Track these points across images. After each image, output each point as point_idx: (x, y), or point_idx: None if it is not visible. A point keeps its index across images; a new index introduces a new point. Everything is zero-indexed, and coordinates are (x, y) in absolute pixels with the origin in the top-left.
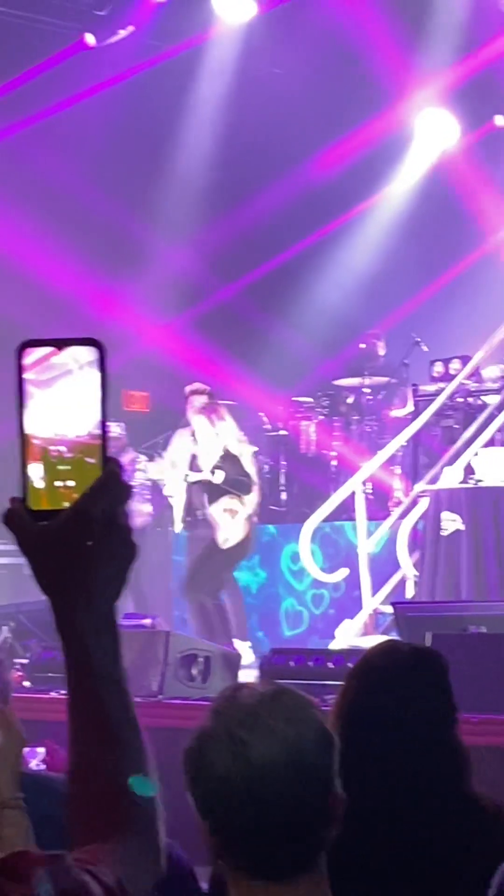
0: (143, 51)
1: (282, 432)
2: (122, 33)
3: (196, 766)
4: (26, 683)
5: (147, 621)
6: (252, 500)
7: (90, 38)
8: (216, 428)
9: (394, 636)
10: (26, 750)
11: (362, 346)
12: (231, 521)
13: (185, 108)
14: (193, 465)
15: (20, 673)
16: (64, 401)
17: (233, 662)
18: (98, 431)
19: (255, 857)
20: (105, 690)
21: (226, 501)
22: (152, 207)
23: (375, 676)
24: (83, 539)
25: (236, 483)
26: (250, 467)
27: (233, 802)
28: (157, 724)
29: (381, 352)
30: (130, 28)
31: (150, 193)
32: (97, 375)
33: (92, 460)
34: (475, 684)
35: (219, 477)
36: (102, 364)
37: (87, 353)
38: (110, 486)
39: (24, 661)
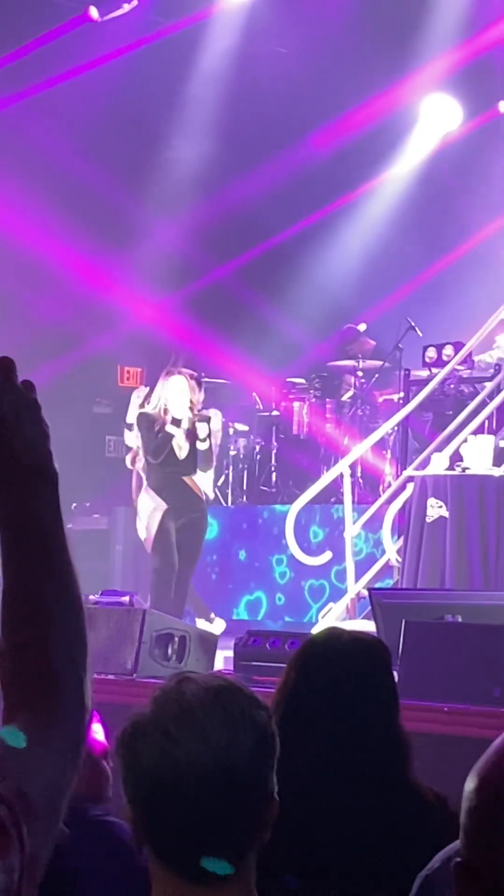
0: (146, 26)
1: (274, 413)
2: (126, 7)
3: (125, 753)
4: None
5: (125, 598)
6: None
7: (94, 12)
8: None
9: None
10: None
11: (360, 327)
12: None
13: (186, 85)
14: None
15: None
16: None
17: (209, 643)
18: None
19: (178, 857)
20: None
21: None
22: (148, 184)
23: (315, 663)
24: None
25: None
26: None
27: (157, 798)
28: (131, 702)
29: (370, 345)
30: (134, 2)
31: (147, 170)
32: None
33: None
34: (447, 673)
35: None
36: None
37: None
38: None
39: None
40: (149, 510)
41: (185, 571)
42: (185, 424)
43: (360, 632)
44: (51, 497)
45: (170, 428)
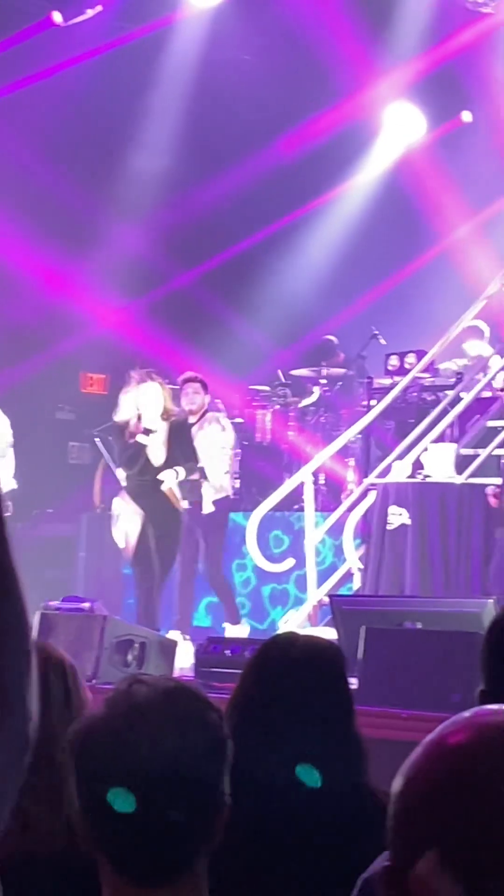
0: (110, 31)
1: (237, 420)
2: (90, 13)
3: (77, 754)
4: None
5: (86, 605)
6: None
7: (58, 17)
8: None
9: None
10: None
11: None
12: None
13: (150, 91)
14: None
15: None
16: None
17: (169, 649)
18: None
19: (128, 859)
20: None
21: None
22: (112, 189)
23: (270, 668)
24: None
25: None
26: None
27: (108, 800)
28: (91, 708)
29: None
30: (98, 8)
31: (111, 175)
32: None
33: None
34: (405, 680)
35: None
36: None
37: None
38: None
39: None
40: (127, 517)
41: (160, 581)
42: (159, 434)
43: (315, 636)
44: None
45: (141, 438)
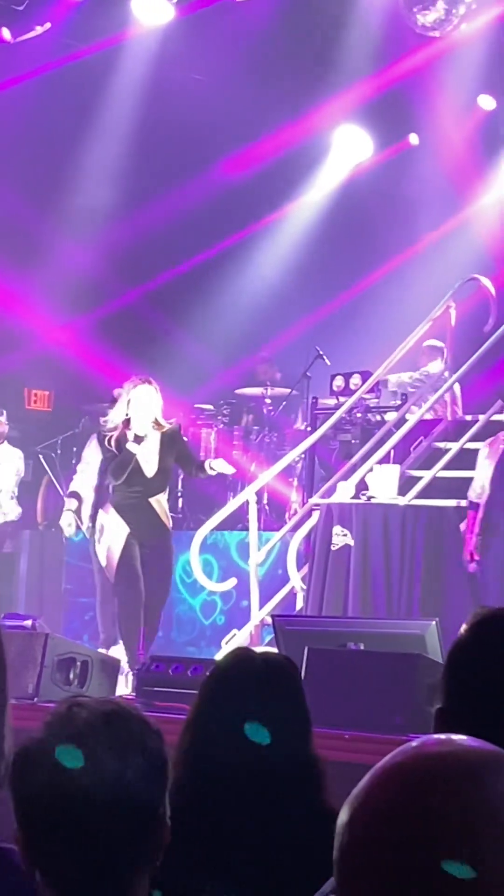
0: (59, 49)
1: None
2: (39, 30)
3: (15, 776)
4: None
5: (28, 622)
6: None
7: (6, 33)
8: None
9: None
10: None
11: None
12: None
13: (98, 109)
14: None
15: None
16: None
17: (111, 668)
18: None
19: (67, 881)
20: None
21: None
22: (58, 206)
23: (226, 686)
24: None
25: None
26: None
27: (47, 823)
28: (32, 726)
29: (277, 375)
30: (47, 25)
31: (58, 192)
32: None
33: None
34: (349, 701)
35: None
36: None
37: None
38: None
39: None
40: (111, 532)
41: (153, 601)
42: (150, 440)
43: (270, 652)
44: None
45: (131, 446)
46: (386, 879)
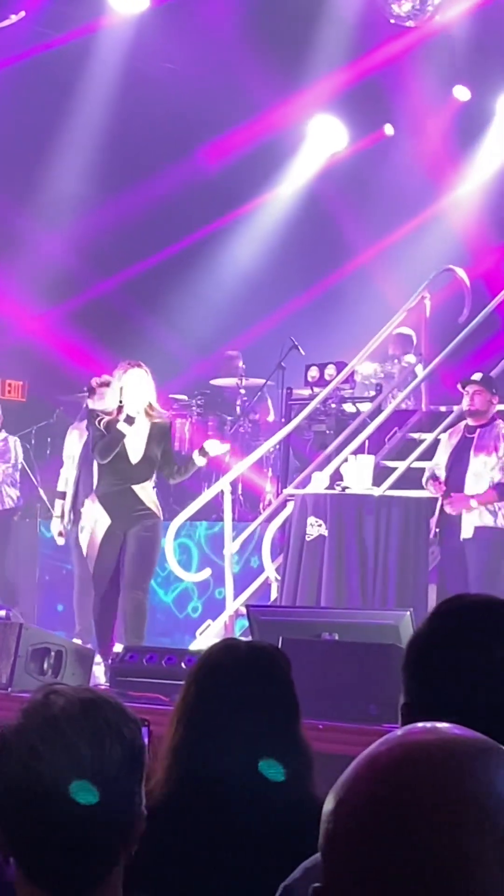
0: (33, 37)
1: None
2: (14, 18)
3: None
4: None
5: (2, 612)
6: None
7: None
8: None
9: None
10: None
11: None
12: None
13: (72, 98)
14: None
15: None
16: None
17: (86, 658)
18: None
19: (42, 869)
20: None
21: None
22: (32, 196)
23: (214, 675)
24: None
25: None
26: None
27: (22, 811)
28: (5, 716)
29: (240, 363)
30: (21, 13)
31: (31, 181)
32: None
33: None
34: (323, 692)
35: None
36: None
37: None
38: None
39: None
40: (93, 522)
41: (132, 593)
42: (140, 425)
43: (258, 641)
44: None
45: (122, 426)
46: (372, 868)
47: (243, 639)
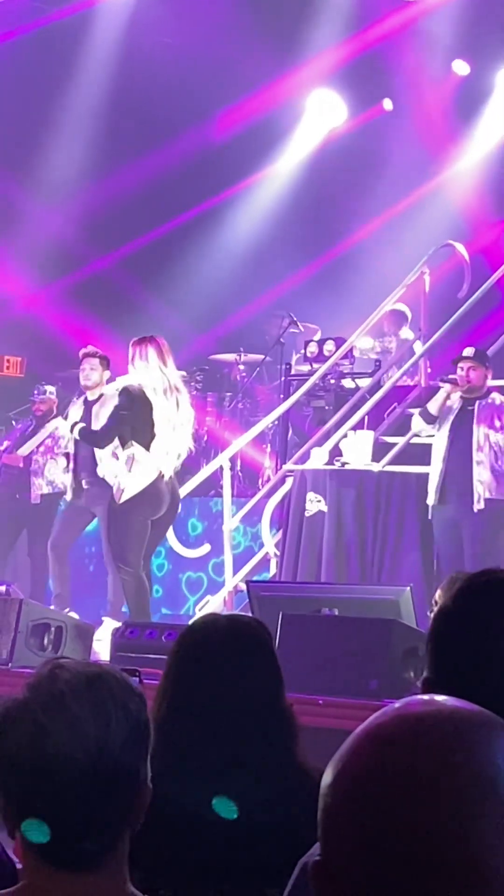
0: (31, 12)
1: None
2: None
3: None
4: None
5: (2, 588)
6: None
7: None
8: None
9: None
10: None
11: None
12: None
13: (71, 73)
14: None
15: None
16: None
17: (85, 633)
18: None
19: (49, 844)
20: None
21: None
22: (31, 171)
23: (196, 650)
24: None
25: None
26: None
27: (27, 785)
28: (6, 692)
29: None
30: None
31: (30, 157)
32: None
33: None
34: (323, 666)
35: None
36: None
37: None
38: None
39: None
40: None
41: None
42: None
43: (237, 614)
44: None
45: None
46: (371, 840)
47: (224, 612)
